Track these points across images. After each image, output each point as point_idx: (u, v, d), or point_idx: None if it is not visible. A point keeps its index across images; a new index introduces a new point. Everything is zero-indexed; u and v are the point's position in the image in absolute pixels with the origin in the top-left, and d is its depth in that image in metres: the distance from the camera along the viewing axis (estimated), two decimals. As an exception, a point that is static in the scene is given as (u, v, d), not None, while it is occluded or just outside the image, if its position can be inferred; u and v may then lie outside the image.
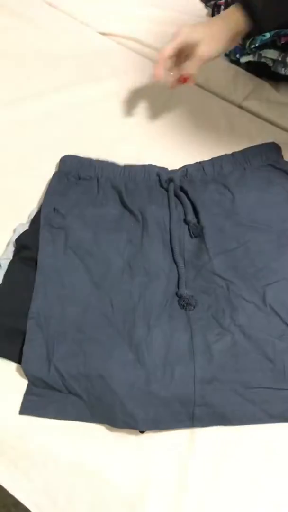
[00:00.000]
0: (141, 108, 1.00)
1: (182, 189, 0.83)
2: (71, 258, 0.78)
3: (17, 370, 0.72)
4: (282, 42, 1.00)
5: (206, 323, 0.72)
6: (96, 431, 0.68)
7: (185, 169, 0.86)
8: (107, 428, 0.68)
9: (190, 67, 0.83)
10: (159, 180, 0.85)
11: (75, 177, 0.86)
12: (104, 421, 0.68)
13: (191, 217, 0.80)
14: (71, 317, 0.73)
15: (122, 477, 0.65)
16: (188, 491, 0.64)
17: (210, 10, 1.20)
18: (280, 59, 1.03)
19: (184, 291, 0.74)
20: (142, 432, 0.67)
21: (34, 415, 0.69)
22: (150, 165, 0.87)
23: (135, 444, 0.67)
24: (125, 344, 0.70)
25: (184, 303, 0.73)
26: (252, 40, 1.03)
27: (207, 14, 1.21)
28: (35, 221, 0.82)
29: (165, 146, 0.95)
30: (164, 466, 0.66)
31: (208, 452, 0.66)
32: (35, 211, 0.85)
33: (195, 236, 0.79)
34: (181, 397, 0.66)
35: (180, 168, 0.87)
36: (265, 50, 1.04)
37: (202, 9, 1.22)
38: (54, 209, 0.82)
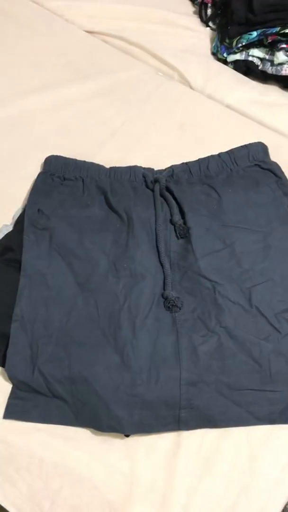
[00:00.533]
0: (127, 107, 1.00)
1: (168, 189, 0.83)
2: (56, 259, 0.77)
3: (1, 373, 0.71)
4: (269, 40, 1.00)
5: (192, 324, 0.71)
6: (81, 434, 0.68)
7: (171, 169, 0.86)
8: (92, 431, 0.68)
9: None
10: (145, 181, 0.84)
11: (60, 178, 0.85)
12: (89, 425, 0.67)
13: (177, 218, 0.79)
14: (55, 320, 0.72)
15: (108, 481, 0.64)
16: (174, 494, 0.63)
17: (197, 8, 1.20)
18: (267, 57, 1.03)
19: (170, 293, 0.73)
20: (127, 435, 0.67)
21: (18, 419, 0.68)
22: (136, 166, 0.86)
23: (121, 448, 0.67)
24: (110, 347, 0.69)
25: (170, 304, 0.72)
26: (239, 38, 1.03)
27: (194, 12, 1.20)
28: (19, 222, 0.81)
29: (151, 146, 0.94)
30: (150, 470, 0.65)
31: (194, 455, 0.66)
32: (20, 212, 0.83)
33: (181, 237, 0.79)
34: (167, 400, 0.66)
35: (166, 169, 0.86)
36: (252, 49, 1.04)
37: (189, 7, 1.22)
38: (38, 210, 0.81)
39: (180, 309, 0.72)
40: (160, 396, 0.66)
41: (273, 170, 0.85)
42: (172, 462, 0.65)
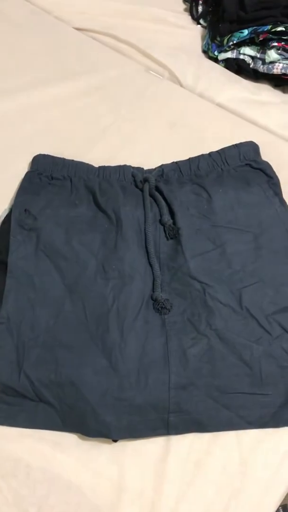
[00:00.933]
0: (117, 106, 0.98)
1: (157, 189, 0.82)
2: (43, 260, 0.75)
3: (-13, 377, 0.69)
4: (261, 38, 0.99)
5: (182, 327, 0.70)
6: (68, 439, 0.66)
7: (161, 169, 0.84)
8: (79, 436, 0.66)
9: None
10: (134, 181, 0.83)
11: (47, 177, 0.84)
12: (76, 430, 0.66)
13: (166, 218, 0.78)
14: (42, 322, 0.71)
15: (96, 487, 0.63)
16: (163, 500, 0.62)
17: (189, 5, 1.19)
18: (258, 56, 1.02)
19: (159, 294, 0.72)
20: (115, 440, 0.65)
21: (4, 425, 0.67)
22: (125, 166, 0.85)
23: (109, 453, 0.65)
24: (98, 350, 0.68)
25: (159, 306, 0.71)
26: (230, 36, 1.02)
27: (185, 10, 1.19)
28: (6, 222, 0.79)
29: (141, 145, 0.93)
30: (138, 476, 0.64)
31: (184, 460, 0.65)
32: (7, 211, 0.82)
33: (171, 238, 0.77)
34: (155, 404, 0.65)
35: (156, 168, 0.85)
36: (243, 47, 1.03)
37: (180, 5, 1.21)
38: (25, 210, 0.79)
39: (169, 311, 0.71)
40: (148, 400, 0.65)
41: (264, 169, 0.84)
42: (161, 467, 0.64)
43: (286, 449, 0.66)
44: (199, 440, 0.66)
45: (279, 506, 0.80)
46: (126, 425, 0.64)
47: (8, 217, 0.80)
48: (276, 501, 0.64)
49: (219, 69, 1.07)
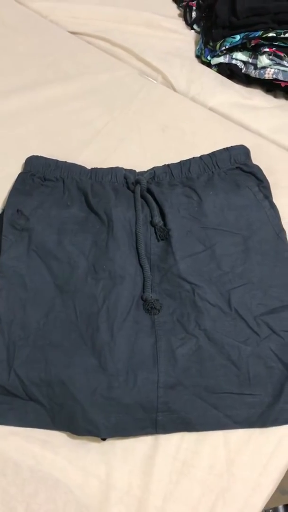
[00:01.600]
0: (110, 109, 0.99)
1: (149, 191, 0.82)
2: (34, 260, 0.76)
3: (-24, 376, 0.70)
4: (252, 44, 1.00)
5: (171, 327, 0.71)
6: (57, 438, 0.67)
7: (153, 171, 0.85)
8: (68, 435, 0.67)
9: None
10: (126, 182, 0.84)
11: (40, 178, 0.84)
12: (65, 428, 0.66)
13: (157, 219, 0.79)
14: (33, 321, 0.71)
15: (84, 485, 0.64)
16: (150, 499, 0.63)
17: (182, 11, 1.20)
18: (250, 61, 1.03)
19: (149, 295, 0.73)
20: (104, 439, 0.66)
21: (-7, 423, 0.67)
22: (117, 168, 0.85)
23: (97, 452, 0.66)
24: (88, 349, 0.69)
25: (149, 307, 0.72)
26: (223, 42, 1.03)
27: (179, 15, 1.20)
28: (-2, 222, 0.80)
29: (133, 148, 0.94)
30: (126, 474, 0.64)
31: (171, 459, 0.65)
32: (-1, 212, 0.83)
33: (162, 239, 0.78)
34: (144, 403, 0.65)
35: (148, 171, 0.86)
36: (235, 52, 1.04)
37: (174, 10, 1.22)
38: (17, 210, 0.80)
39: (159, 311, 0.72)
40: (137, 399, 0.65)
41: (255, 173, 0.85)
42: (149, 466, 0.65)
43: (273, 449, 0.66)
44: (187, 440, 0.67)
45: (270, 509, 0.81)
46: (114, 424, 0.64)
47: (0, 217, 0.80)
48: (262, 501, 0.64)
49: (212, 73, 1.08)
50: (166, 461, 0.65)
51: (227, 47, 1.03)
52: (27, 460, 0.65)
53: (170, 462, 0.65)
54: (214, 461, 0.65)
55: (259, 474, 0.65)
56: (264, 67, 1.00)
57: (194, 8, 1.18)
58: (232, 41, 1.02)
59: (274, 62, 0.99)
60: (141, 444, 0.66)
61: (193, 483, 0.64)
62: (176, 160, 0.87)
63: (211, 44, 1.07)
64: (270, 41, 0.98)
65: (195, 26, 1.18)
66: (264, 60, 0.99)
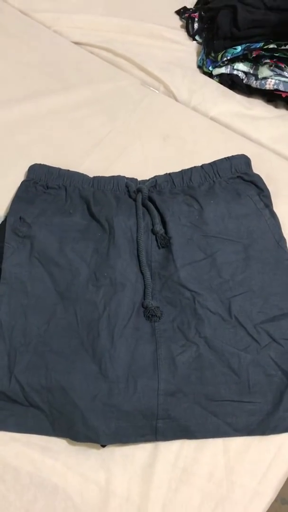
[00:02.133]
0: (112, 118, 1.00)
1: (150, 199, 0.83)
2: (36, 267, 0.76)
3: (-22, 382, 0.70)
4: (254, 55, 1.02)
5: (171, 334, 0.71)
6: (57, 444, 0.67)
7: (154, 180, 0.86)
8: (68, 441, 0.67)
9: None
10: (128, 191, 0.85)
11: (43, 186, 0.85)
12: (65, 434, 0.67)
13: (158, 227, 0.80)
14: (34, 328, 0.72)
15: (83, 492, 0.64)
16: (150, 506, 0.63)
17: (185, 22, 1.22)
18: (251, 71, 1.04)
19: (150, 302, 0.73)
20: (103, 446, 0.66)
21: (-6, 429, 0.67)
22: (119, 176, 0.86)
23: (97, 458, 0.66)
24: (88, 356, 0.69)
25: (150, 314, 0.72)
26: (224, 52, 1.04)
27: (181, 26, 1.22)
28: (0, 229, 0.80)
29: (135, 157, 0.95)
30: (126, 481, 0.64)
31: (171, 467, 0.65)
32: (2, 219, 0.83)
33: (162, 247, 0.79)
34: (144, 410, 0.66)
35: (149, 179, 0.87)
36: (237, 63, 1.05)
37: (177, 21, 1.23)
38: (20, 217, 0.81)
39: (159, 318, 0.72)
40: (137, 406, 0.65)
41: (256, 182, 0.86)
42: (148, 473, 0.65)
43: (273, 457, 0.66)
44: (187, 447, 0.67)
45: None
46: (114, 431, 0.65)
47: (3, 225, 0.81)
48: (262, 509, 0.64)
49: (213, 84, 1.09)
50: (165, 468, 0.65)
51: (228, 58, 1.04)
52: (27, 466, 0.65)
53: (170, 469, 0.65)
54: (214, 469, 0.65)
55: (258, 482, 0.65)
56: (265, 78, 1.02)
57: (196, 19, 1.19)
58: (233, 52, 1.03)
59: (275, 73, 1.00)
60: (141, 451, 0.66)
61: (193, 491, 0.64)
62: (177, 169, 0.88)
63: (212, 55, 1.09)
64: (271, 52, 1.00)
65: (197, 37, 1.19)
66: (265, 71, 1.01)
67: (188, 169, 0.87)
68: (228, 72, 1.07)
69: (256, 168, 0.90)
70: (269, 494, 0.65)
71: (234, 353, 0.70)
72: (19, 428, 0.67)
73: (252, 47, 1.00)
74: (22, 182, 0.86)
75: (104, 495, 0.63)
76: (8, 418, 0.67)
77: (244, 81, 1.06)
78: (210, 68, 1.10)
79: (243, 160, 0.89)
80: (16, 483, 0.64)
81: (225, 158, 0.89)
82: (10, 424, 0.67)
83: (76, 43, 1.14)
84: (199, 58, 1.14)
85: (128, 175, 0.87)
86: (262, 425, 0.67)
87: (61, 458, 0.66)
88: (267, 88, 1.02)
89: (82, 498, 0.63)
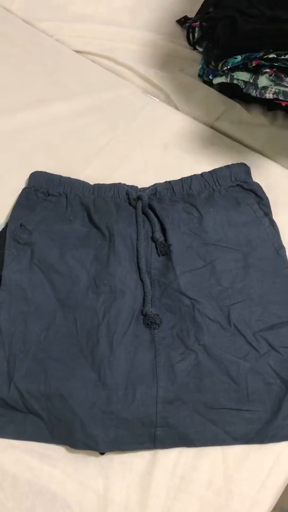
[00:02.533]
0: (113, 126, 1.01)
1: (150, 207, 0.84)
2: (37, 274, 0.77)
3: (-23, 389, 0.70)
4: (253, 64, 1.02)
5: (170, 342, 0.72)
6: (56, 451, 0.67)
7: (155, 187, 0.86)
8: (67, 448, 0.67)
9: None
10: (128, 198, 0.85)
11: (44, 193, 0.86)
12: (64, 442, 0.67)
13: (158, 235, 0.80)
14: (34, 335, 0.72)
15: (81, 499, 0.64)
16: (148, 514, 0.63)
17: (185, 31, 1.23)
18: (251, 81, 1.04)
19: (150, 310, 0.73)
20: (102, 453, 0.66)
21: (-8, 436, 0.67)
22: (119, 184, 0.87)
23: (95, 466, 0.66)
24: (87, 363, 0.69)
25: (149, 321, 0.73)
26: (224, 62, 1.05)
27: (182, 35, 1.23)
28: (1, 236, 0.81)
29: (136, 164, 0.95)
30: (124, 489, 0.64)
31: (170, 475, 0.65)
32: (2, 226, 0.84)
33: (162, 254, 0.79)
34: (143, 418, 0.66)
35: (149, 187, 0.87)
36: (237, 72, 1.06)
37: (177, 30, 1.24)
38: (21, 224, 0.81)
39: (159, 326, 0.73)
40: (136, 414, 0.66)
41: (255, 190, 0.87)
42: (146, 481, 0.65)
43: (271, 466, 0.67)
44: (185, 455, 0.67)
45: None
46: (113, 438, 0.65)
47: (3, 232, 0.81)
48: (261, 518, 0.64)
49: (214, 92, 1.09)
50: (164, 476, 0.65)
51: (228, 67, 1.05)
52: (25, 473, 0.65)
53: (168, 477, 0.65)
54: (212, 477, 0.66)
55: (257, 490, 0.65)
56: (264, 87, 1.02)
57: (197, 29, 1.20)
58: (233, 62, 1.04)
59: (275, 82, 1.00)
60: (139, 459, 0.66)
61: (191, 499, 0.64)
62: (177, 177, 0.89)
63: (213, 64, 1.09)
64: (270, 62, 1.00)
65: (197, 47, 1.20)
66: (264, 80, 1.01)
67: (188, 177, 0.88)
68: (228, 81, 1.07)
69: (256, 177, 0.90)
70: (268, 502, 0.65)
71: (233, 361, 0.70)
72: (18, 435, 0.67)
73: (252, 56, 1.01)
74: (23, 189, 0.87)
75: (103, 503, 0.63)
76: (7, 425, 0.67)
77: (244, 90, 1.07)
78: (210, 77, 1.10)
79: (243, 169, 0.89)
80: (15, 490, 0.64)
81: (225, 166, 0.89)
82: (9, 431, 0.67)
83: (77, 51, 1.15)
84: (200, 67, 1.15)
85: (129, 182, 0.88)
86: (261, 433, 0.67)
87: (60, 466, 0.66)
88: (267, 97, 1.02)
89: (80, 506, 0.63)
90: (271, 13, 1.04)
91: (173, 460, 0.66)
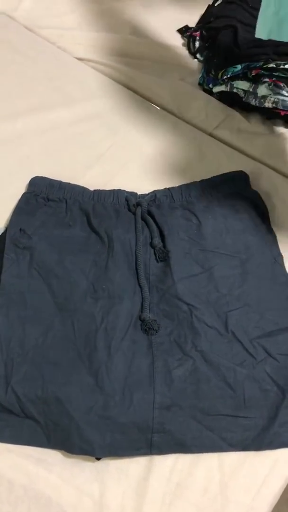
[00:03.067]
0: (113, 132, 1.02)
1: (149, 213, 0.84)
2: (36, 279, 0.77)
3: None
4: (253, 74, 1.03)
5: (168, 348, 0.72)
6: (52, 456, 0.67)
7: (154, 194, 0.87)
8: (63, 453, 0.67)
9: None
10: (127, 204, 0.86)
11: (44, 199, 0.86)
12: (60, 446, 0.66)
13: (157, 241, 0.80)
14: (32, 339, 0.72)
15: (77, 505, 0.63)
16: (143, 520, 0.63)
17: (186, 40, 1.24)
18: (251, 90, 1.06)
19: (147, 315, 0.74)
20: (98, 458, 0.66)
21: (-12, 440, 0.67)
22: (119, 190, 0.87)
23: (91, 471, 0.66)
24: (85, 368, 0.69)
25: (147, 327, 0.73)
26: (224, 71, 1.06)
27: (183, 44, 1.24)
28: (1, 241, 0.81)
29: (135, 171, 0.96)
30: (120, 495, 0.64)
31: (165, 481, 0.65)
32: (2, 230, 0.84)
33: (161, 260, 0.80)
34: (139, 423, 0.66)
35: (149, 193, 0.88)
36: (236, 81, 1.07)
37: (178, 39, 1.25)
38: (20, 229, 0.81)
39: (156, 331, 0.73)
40: (132, 419, 0.66)
41: (253, 198, 0.87)
42: (142, 487, 0.65)
43: (268, 473, 0.66)
44: (182, 461, 0.67)
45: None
46: (109, 443, 0.65)
47: (3, 236, 0.82)
48: (257, 525, 0.64)
49: (213, 101, 1.10)
50: (160, 482, 0.65)
51: (228, 76, 1.06)
52: (21, 478, 0.65)
53: (164, 483, 0.65)
54: (208, 484, 0.65)
55: (253, 498, 0.65)
56: (264, 96, 1.03)
57: (197, 38, 1.21)
58: (233, 71, 1.05)
59: (274, 92, 1.01)
60: (135, 465, 0.66)
61: (187, 506, 0.64)
62: (176, 184, 0.89)
63: (213, 73, 1.10)
64: (270, 72, 1.01)
65: (198, 55, 1.21)
66: (263, 89, 1.02)
67: (187, 184, 0.89)
68: (228, 90, 1.08)
69: (254, 185, 0.91)
70: (264, 510, 0.64)
71: (230, 367, 0.70)
72: (14, 439, 0.67)
73: (251, 66, 1.02)
74: (23, 194, 0.87)
75: (98, 508, 0.63)
76: (3, 429, 0.67)
77: (243, 99, 1.08)
78: (210, 86, 1.11)
79: (242, 177, 0.90)
80: (10, 495, 0.64)
81: (223, 174, 0.90)
82: (5, 435, 0.67)
83: (79, 59, 1.16)
84: (200, 76, 1.16)
85: (128, 189, 0.88)
86: (257, 440, 0.67)
87: (56, 470, 0.65)
88: (266, 106, 1.03)
89: (75, 511, 0.63)
90: (272, 23, 1.05)
91: (169, 466, 0.66)
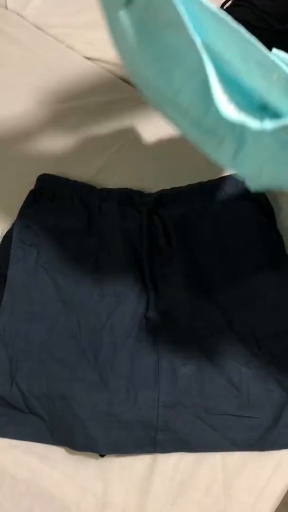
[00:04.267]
0: (121, 132, 1.02)
1: (156, 212, 0.84)
2: (42, 275, 0.77)
3: (-22, 387, 0.70)
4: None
5: (173, 346, 0.72)
6: (56, 452, 0.67)
7: (160, 193, 0.87)
8: (67, 450, 0.67)
9: None
10: (134, 203, 0.86)
11: (50, 196, 0.86)
12: (64, 443, 0.67)
13: (162, 240, 0.80)
14: (37, 335, 0.72)
15: (80, 502, 0.64)
16: (146, 518, 0.63)
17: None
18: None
19: (153, 313, 0.74)
20: (102, 455, 0.66)
21: (-8, 435, 0.67)
22: (126, 189, 0.87)
23: (95, 468, 0.66)
24: (90, 365, 0.69)
25: (152, 325, 0.73)
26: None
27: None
28: (7, 237, 0.81)
29: (143, 170, 0.96)
30: (123, 492, 0.64)
31: (169, 480, 0.65)
32: (9, 227, 0.84)
33: (166, 259, 0.79)
34: (144, 421, 0.66)
35: (155, 193, 0.88)
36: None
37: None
38: (27, 225, 0.81)
39: (161, 330, 0.73)
40: (137, 417, 0.66)
41: (259, 199, 0.87)
42: (145, 485, 0.65)
43: (271, 474, 0.67)
44: (185, 460, 0.67)
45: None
46: (113, 441, 0.65)
47: (9, 233, 0.82)
48: (259, 526, 0.64)
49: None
50: (163, 481, 0.65)
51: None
52: (24, 474, 0.65)
53: (167, 482, 0.65)
54: (211, 483, 0.65)
55: (256, 498, 0.65)
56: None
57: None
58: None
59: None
60: (139, 463, 0.66)
61: (190, 505, 0.64)
62: (183, 183, 0.89)
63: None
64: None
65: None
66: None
67: (193, 184, 0.88)
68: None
69: (261, 186, 0.91)
70: (267, 510, 0.64)
71: (235, 367, 0.70)
72: (18, 435, 0.67)
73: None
74: (30, 191, 0.87)
75: (101, 505, 0.63)
76: (7, 425, 0.67)
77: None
78: (218, 87, 1.12)
79: (249, 178, 0.90)
80: (13, 490, 0.64)
81: (230, 174, 0.90)
82: (9, 430, 0.67)
83: (88, 58, 1.16)
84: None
85: (135, 188, 0.88)
86: (261, 440, 0.67)
87: (59, 467, 0.66)
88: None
89: (78, 508, 0.63)
90: (280, 26, 1.05)
91: (172, 465, 0.66)
